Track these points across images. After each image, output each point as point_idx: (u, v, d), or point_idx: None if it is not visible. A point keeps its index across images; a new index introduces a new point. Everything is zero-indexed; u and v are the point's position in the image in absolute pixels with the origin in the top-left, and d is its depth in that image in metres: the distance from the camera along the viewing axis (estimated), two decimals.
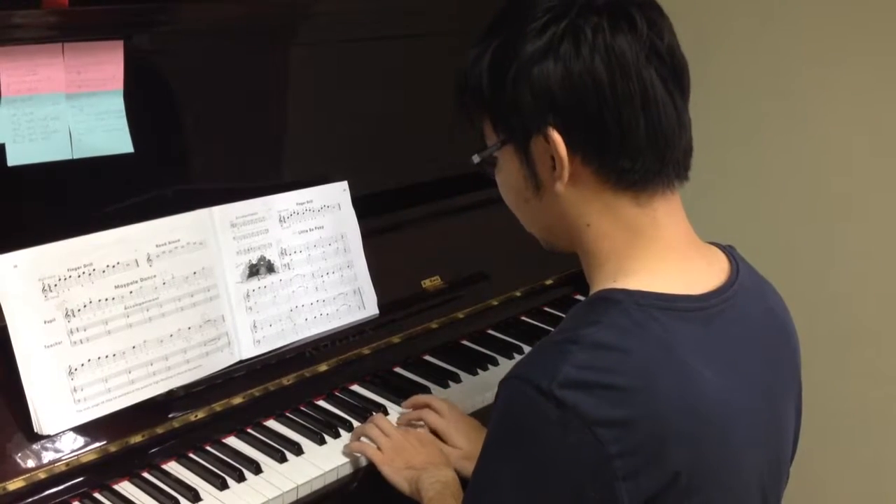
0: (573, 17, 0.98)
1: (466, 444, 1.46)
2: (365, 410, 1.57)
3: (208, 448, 1.47)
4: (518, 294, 1.94)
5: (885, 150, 1.98)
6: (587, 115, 0.98)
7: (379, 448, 1.44)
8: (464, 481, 1.36)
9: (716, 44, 2.09)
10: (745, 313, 1.05)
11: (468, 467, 1.39)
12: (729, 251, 1.12)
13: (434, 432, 1.49)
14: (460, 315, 1.83)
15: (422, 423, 1.52)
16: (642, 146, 0.99)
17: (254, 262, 1.58)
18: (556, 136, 0.98)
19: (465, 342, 1.84)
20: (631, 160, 0.99)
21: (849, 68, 1.99)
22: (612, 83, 0.96)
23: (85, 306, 1.38)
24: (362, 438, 1.49)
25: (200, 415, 1.47)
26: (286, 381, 1.58)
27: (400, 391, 1.63)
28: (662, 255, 1.03)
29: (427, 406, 1.54)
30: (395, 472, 1.39)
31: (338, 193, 1.71)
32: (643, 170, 1.00)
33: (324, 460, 1.46)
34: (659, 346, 0.95)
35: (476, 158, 1.09)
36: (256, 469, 1.41)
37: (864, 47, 1.96)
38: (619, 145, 0.98)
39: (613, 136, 0.98)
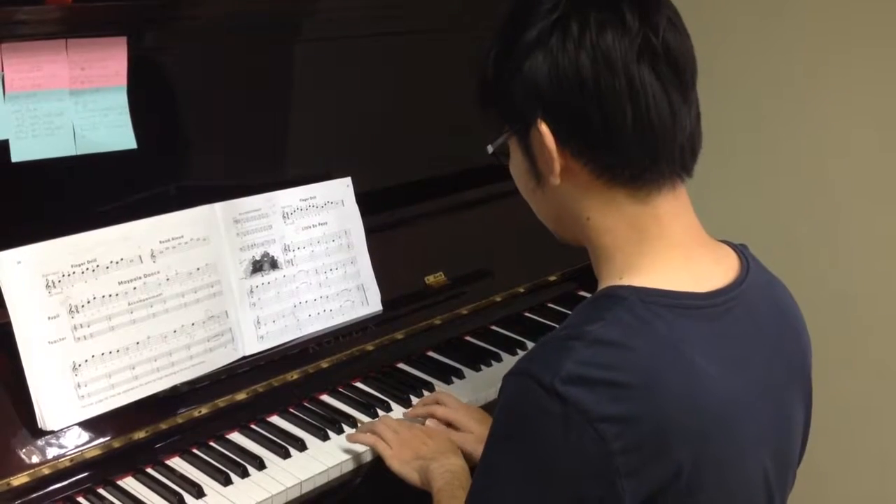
0: (562, 11, 0.98)
1: (479, 428, 1.46)
2: (368, 406, 1.58)
3: (212, 444, 1.47)
4: (522, 290, 1.94)
5: (890, 146, 1.98)
6: (572, 110, 0.98)
7: (386, 443, 1.44)
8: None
9: (718, 40, 2.08)
10: (753, 312, 1.05)
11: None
12: (740, 250, 1.11)
13: (446, 424, 1.50)
14: (464, 311, 1.83)
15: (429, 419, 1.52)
16: (630, 142, 0.98)
17: (257, 258, 1.58)
18: (545, 129, 0.99)
19: (468, 338, 1.84)
20: (617, 156, 0.99)
21: (852, 65, 1.98)
22: (595, 79, 0.96)
23: (88, 302, 1.38)
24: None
25: (204, 410, 1.48)
26: (290, 377, 1.58)
27: (403, 387, 1.63)
28: (668, 252, 1.03)
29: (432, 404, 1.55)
30: (404, 465, 1.39)
31: (341, 189, 1.71)
32: (632, 165, 0.99)
33: (327, 456, 1.46)
34: (663, 343, 0.95)
35: (490, 149, 1.10)
36: (260, 465, 1.42)
37: (867, 43, 1.96)
38: (604, 141, 0.98)
39: (599, 132, 0.98)
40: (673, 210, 1.03)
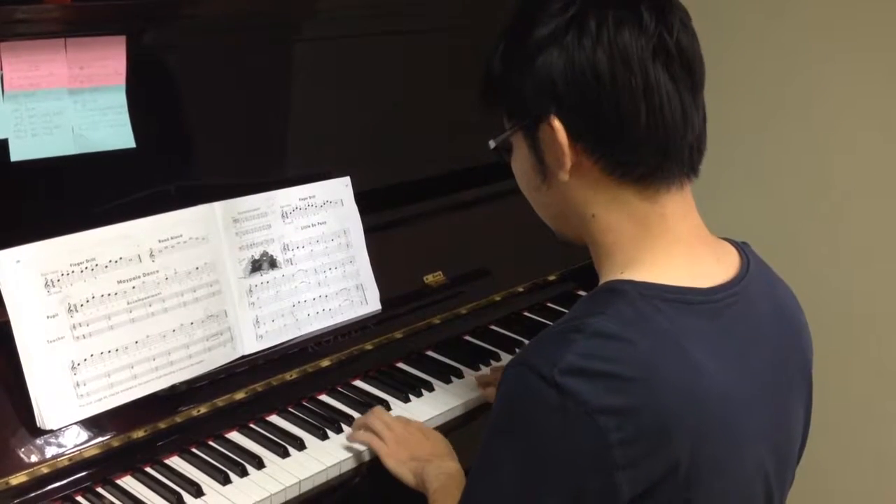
0: (580, 8, 0.99)
1: None
2: (367, 406, 1.57)
3: (211, 443, 1.47)
4: (520, 290, 1.94)
5: (892, 146, 1.98)
6: (587, 106, 0.98)
7: (383, 440, 1.44)
8: None
9: (723, 40, 2.08)
10: (753, 309, 1.05)
11: None
12: (742, 247, 1.12)
13: None
14: (462, 310, 1.83)
15: None
16: (642, 139, 0.99)
17: (256, 257, 1.58)
18: (558, 125, 1.00)
19: (467, 337, 1.84)
20: (630, 153, 1.00)
21: (856, 65, 1.99)
22: (612, 75, 0.97)
23: (87, 301, 1.38)
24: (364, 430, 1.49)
25: (203, 410, 1.47)
26: (288, 376, 1.58)
27: (402, 386, 1.63)
28: (669, 248, 1.03)
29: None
30: (400, 464, 1.39)
31: (340, 189, 1.71)
32: (643, 163, 1.00)
33: (326, 455, 1.46)
34: (663, 338, 0.96)
35: (492, 144, 1.11)
36: (259, 464, 1.42)
37: (872, 44, 1.96)
38: (618, 137, 0.99)
39: (612, 128, 0.99)
40: (679, 209, 1.04)
